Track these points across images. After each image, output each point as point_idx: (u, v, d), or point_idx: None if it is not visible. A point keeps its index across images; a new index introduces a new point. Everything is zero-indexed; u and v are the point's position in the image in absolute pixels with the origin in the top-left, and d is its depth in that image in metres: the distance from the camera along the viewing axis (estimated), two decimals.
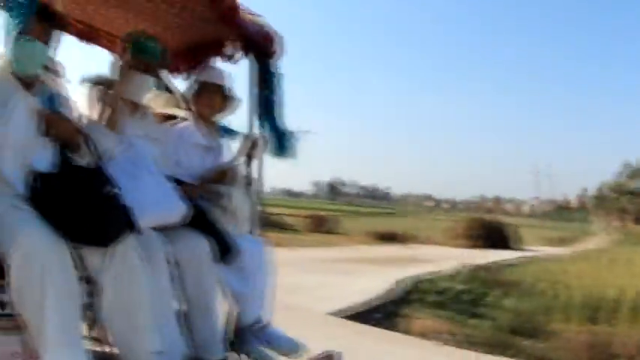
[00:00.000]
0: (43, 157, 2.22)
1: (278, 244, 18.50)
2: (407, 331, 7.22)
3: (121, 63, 2.73)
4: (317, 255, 15.40)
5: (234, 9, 2.84)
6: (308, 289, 8.64)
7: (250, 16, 3.03)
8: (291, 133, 3.29)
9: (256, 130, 3.29)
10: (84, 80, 2.84)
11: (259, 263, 3.02)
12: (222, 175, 3.08)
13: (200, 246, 2.69)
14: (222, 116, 3.27)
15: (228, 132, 3.47)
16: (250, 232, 3.22)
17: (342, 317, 6.96)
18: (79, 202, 2.10)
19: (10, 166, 2.16)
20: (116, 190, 2.21)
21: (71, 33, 3.00)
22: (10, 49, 2.21)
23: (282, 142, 3.27)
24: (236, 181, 3.09)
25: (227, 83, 3.19)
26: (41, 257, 1.95)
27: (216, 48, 3.34)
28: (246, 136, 3.30)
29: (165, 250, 2.53)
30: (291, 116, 3.27)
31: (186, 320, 2.66)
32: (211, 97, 3.13)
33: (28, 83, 2.27)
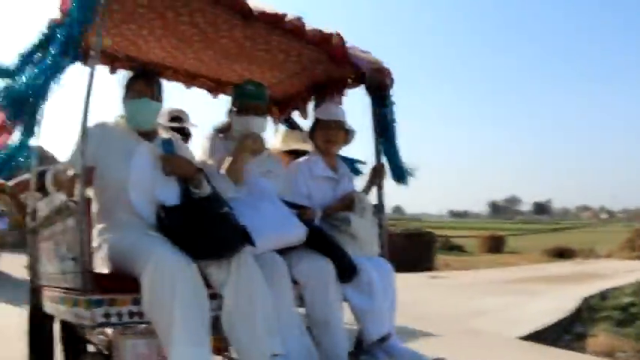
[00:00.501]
0: (168, 192, 2.60)
1: (455, 267, 18.70)
2: (595, 352, 7.07)
3: (232, 108, 3.12)
4: (495, 276, 14.98)
5: (342, 48, 3.11)
6: (492, 312, 8.47)
7: (360, 53, 3.29)
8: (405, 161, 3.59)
9: (378, 159, 3.57)
10: (214, 128, 3.20)
11: (382, 282, 3.16)
12: (344, 203, 3.34)
13: (323, 266, 2.91)
14: (340, 149, 3.55)
15: (353, 162, 3.83)
16: (380, 254, 3.41)
17: (532, 341, 6.64)
18: (199, 223, 2.43)
19: (140, 202, 2.57)
20: (228, 210, 2.54)
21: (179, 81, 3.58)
22: (125, 109, 2.72)
23: (401, 170, 3.58)
24: (355, 207, 3.30)
25: (342, 118, 3.46)
26: (170, 270, 2.23)
27: (334, 86, 3.68)
28: (374, 166, 3.58)
29: (286, 269, 2.78)
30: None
31: (311, 337, 2.85)
32: (329, 132, 3.41)
33: (146, 134, 2.73)
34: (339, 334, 2.93)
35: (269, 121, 3.27)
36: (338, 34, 3.06)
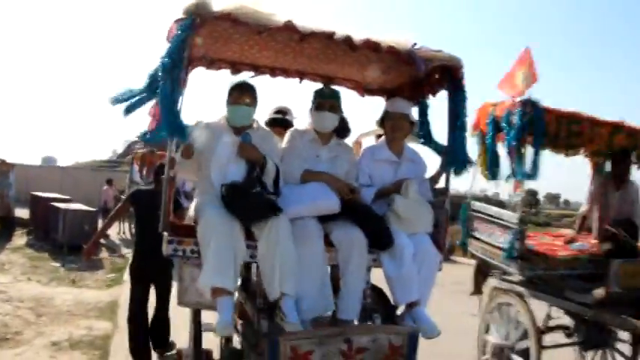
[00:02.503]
0: (238, 171, 3.76)
1: None
2: None
3: (311, 106, 4.10)
4: None
5: (399, 54, 3.71)
6: None
7: (426, 53, 3.82)
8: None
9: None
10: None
11: (419, 255, 3.85)
12: (395, 187, 4.05)
13: (353, 233, 3.76)
14: (404, 137, 4.28)
15: (435, 146, 4.36)
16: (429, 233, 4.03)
17: None
18: (241, 197, 3.55)
19: (215, 176, 3.79)
20: (260, 191, 3.61)
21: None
22: (227, 111, 3.93)
23: (464, 159, 4.10)
24: (402, 190, 3.98)
25: (407, 111, 4.22)
26: (211, 225, 3.45)
27: (419, 85, 4.32)
28: (442, 153, 4.21)
29: (319, 233, 3.73)
30: None
31: (335, 288, 3.74)
32: (395, 123, 4.22)
33: (241, 128, 3.89)
34: (356, 290, 3.79)
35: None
36: (390, 46, 3.68)
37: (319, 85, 4.40)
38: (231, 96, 3.93)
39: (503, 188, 5.52)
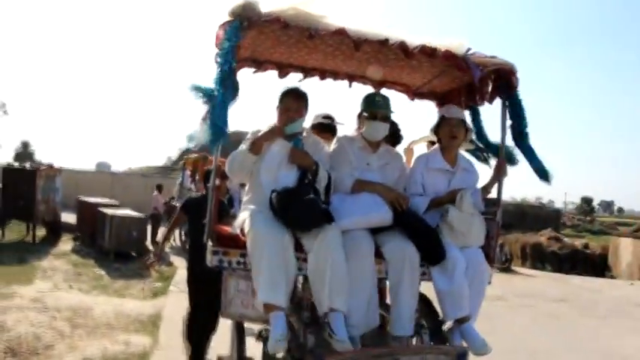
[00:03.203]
0: (288, 177, 3.68)
1: None
2: None
3: (363, 113, 3.98)
4: None
5: (454, 59, 3.59)
6: None
7: (481, 59, 3.69)
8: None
9: (502, 156, 4.04)
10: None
11: (471, 270, 3.73)
12: (450, 197, 3.92)
13: (404, 247, 3.64)
14: (460, 144, 4.12)
15: (493, 150, 4.25)
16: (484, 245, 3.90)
17: None
18: (293, 205, 3.44)
19: (265, 180, 3.72)
20: (315, 198, 3.50)
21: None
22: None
23: (542, 168, 3.96)
24: (456, 201, 3.84)
25: (462, 116, 4.08)
26: (261, 237, 3.37)
27: (471, 91, 4.19)
28: (497, 163, 4.09)
29: (371, 246, 3.60)
30: None
31: (384, 302, 3.66)
32: (452, 129, 4.05)
33: (291, 135, 3.75)
34: (406, 304, 3.67)
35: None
36: (446, 51, 3.57)
37: (368, 89, 4.33)
38: (283, 102, 3.87)
39: None
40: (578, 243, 30.84)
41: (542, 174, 3.98)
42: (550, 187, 4.18)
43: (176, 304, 8.18)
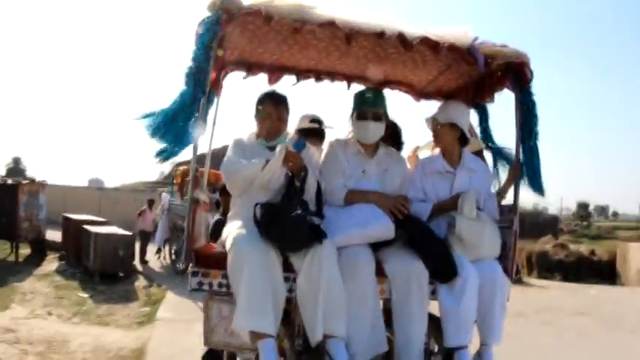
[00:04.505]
0: (277, 181, 3.37)
1: None
2: None
3: (352, 114, 3.66)
4: None
5: (458, 50, 3.31)
6: None
7: (495, 48, 3.41)
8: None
9: (518, 158, 3.66)
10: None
11: (486, 286, 3.40)
12: (453, 201, 3.59)
13: (411, 265, 3.34)
14: (452, 146, 3.75)
15: (500, 155, 3.98)
16: (498, 258, 3.56)
17: None
18: (278, 221, 3.12)
19: (248, 194, 3.42)
20: (302, 214, 3.15)
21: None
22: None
23: (534, 175, 3.65)
24: (459, 206, 3.53)
25: (454, 119, 3.69)
26: (241, 256, 3.05)
27: (480, 87, 3.92)
28: (512, 165, 3.77)
29: (371, 264, 3.29)
30: None
31: (389, 325, 3.29)
32: (443, 131, 3.74)
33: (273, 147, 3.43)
34: (415, 332, 3.34)
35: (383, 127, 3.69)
36: (451, 43, 3.28)
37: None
38: (262, 108, 3.61)
39: None
40: (584, 249, 30.60)
41: (533, 183, 3.68)
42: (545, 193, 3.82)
43: (163, 336, 7.77)
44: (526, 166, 3.65)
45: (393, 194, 3.61)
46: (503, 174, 3.97)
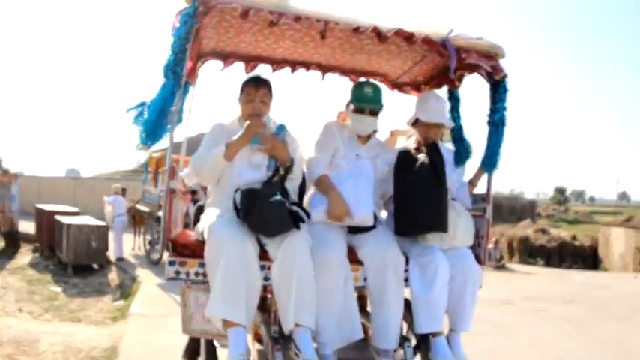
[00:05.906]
0: (255, 172, 3.49)
1: None
2: None
3: (350, 105, 3.82)
4: None
5: (433, 45, 3.42)
6: None
7: (470, 41, 3.53)
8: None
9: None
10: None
11: (459, 275, 3.57)
12: None
13: (389, 249, 3.50)
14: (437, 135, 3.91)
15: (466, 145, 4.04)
16: (474, 247, 3.76)
17: None
18: (256, 207, 3.22)
19: (229, 177, 3.50)
20: (282, 200, 3.27)
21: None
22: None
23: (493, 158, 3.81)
24: None
25: (439, 119, 3.85)
26: (219, 244, 3.11)
27: (444, 77, 4.08)
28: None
29: (343, 250, 3.44)
30: None
31: (365, 311, 3.50)
32: (426, 131, 3.87)
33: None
34: (392, 318, 3.50)
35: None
36: (425, 36, 3.40)
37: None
38: (244, 92, 3.69)
39: None
40: (565, 234, 31.14)
41: (490, 168, 3.85)
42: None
43: (136, 333, 7.73)
44: (487, 149, 3.81)
45: (382, 179, 3.81)
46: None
